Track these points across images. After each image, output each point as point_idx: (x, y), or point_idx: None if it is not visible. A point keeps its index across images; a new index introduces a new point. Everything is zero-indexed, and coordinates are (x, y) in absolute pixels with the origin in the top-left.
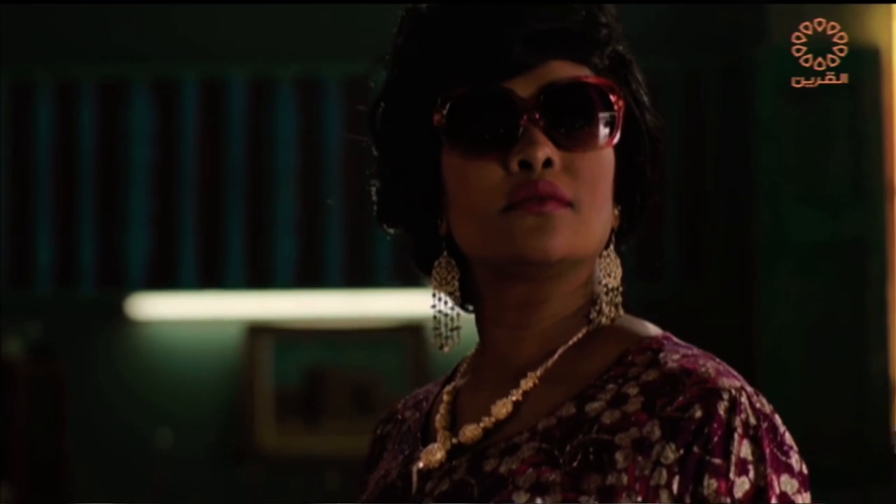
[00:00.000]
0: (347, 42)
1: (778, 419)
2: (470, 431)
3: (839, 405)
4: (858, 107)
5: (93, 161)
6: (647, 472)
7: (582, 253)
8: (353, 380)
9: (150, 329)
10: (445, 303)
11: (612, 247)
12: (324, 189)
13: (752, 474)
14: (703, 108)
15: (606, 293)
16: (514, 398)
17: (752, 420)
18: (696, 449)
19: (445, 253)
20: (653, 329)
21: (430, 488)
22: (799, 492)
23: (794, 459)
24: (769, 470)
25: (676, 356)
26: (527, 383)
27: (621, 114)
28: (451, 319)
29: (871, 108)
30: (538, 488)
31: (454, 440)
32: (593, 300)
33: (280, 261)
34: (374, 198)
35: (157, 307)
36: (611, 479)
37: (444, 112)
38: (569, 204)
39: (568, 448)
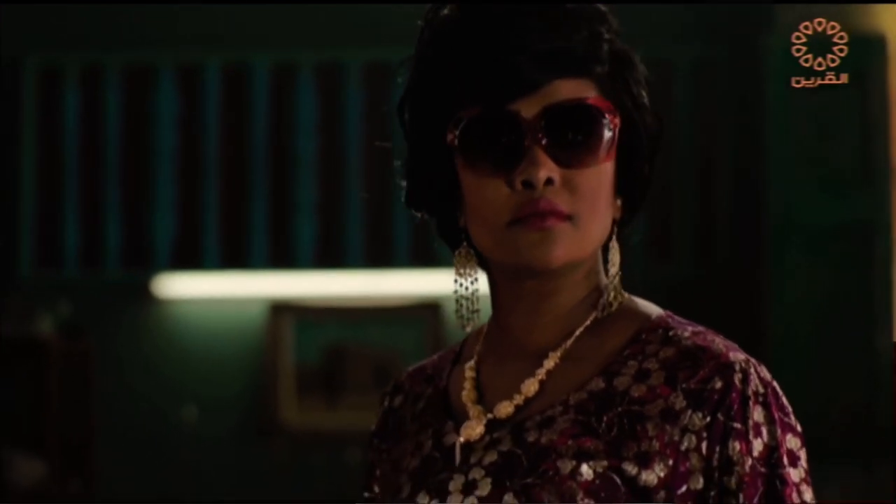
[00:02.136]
0: (368, 29)
1: (777, 385)
2: (504, 408)
3: (847, 383)
4: (866, 93)
5: (119, 145)
6: (675, 438)
7: (581, 258)
8: (372, 357)
9: (175, 308)
10: (466, 288)
11: (614, 237)
12: (344, 172)
13: (765, 436)
14: (714, 94)
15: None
16: (540, 377)
17: (761, 388)
18: (719, 416)
19: (465, 244)
20: (656, 308)
21: (476, 460)
22: (801, 448)
23: (793, 420)
24: (778, 430)
25: (687, 334)
26: (549, 363)
27: (617, 132)
28: (472, 303)
29: (878, 94)
30: (581, 455)
31: (489, 415)
32: (599, 286)
33: (301, 241)
34: (403, 183)
35: (183, 287)
36: (644, 446)
37: (457, 133)
38: (567, 218)
39: (605, 419)
